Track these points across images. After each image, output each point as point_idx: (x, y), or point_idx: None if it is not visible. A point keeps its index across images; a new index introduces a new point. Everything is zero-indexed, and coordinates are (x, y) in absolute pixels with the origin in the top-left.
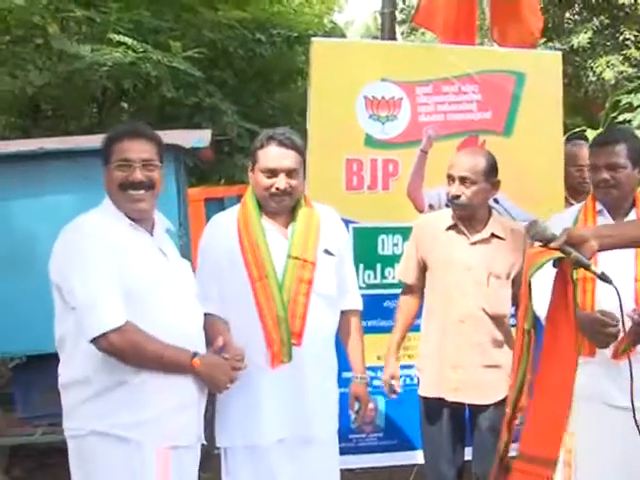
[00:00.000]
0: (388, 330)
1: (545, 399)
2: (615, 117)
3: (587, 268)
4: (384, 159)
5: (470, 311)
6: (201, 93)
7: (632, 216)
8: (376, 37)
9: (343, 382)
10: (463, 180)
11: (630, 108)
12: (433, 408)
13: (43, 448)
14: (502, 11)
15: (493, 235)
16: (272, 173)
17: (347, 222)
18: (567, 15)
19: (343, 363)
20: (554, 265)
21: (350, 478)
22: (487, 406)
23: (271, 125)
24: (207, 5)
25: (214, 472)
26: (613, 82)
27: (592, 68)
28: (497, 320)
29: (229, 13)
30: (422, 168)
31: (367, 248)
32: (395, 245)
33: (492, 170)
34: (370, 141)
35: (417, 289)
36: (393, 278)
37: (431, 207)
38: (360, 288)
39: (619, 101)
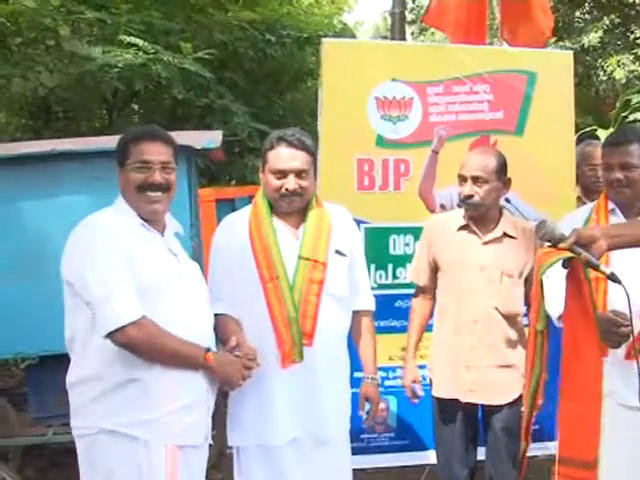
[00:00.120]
0: (400, 330)
1: (574, 401)
2: (626, 116)
3: (596, 268)
4: (395, 159)
5: (483, 311)
6: (212, 94)
7: None
8: (386, 37)
9: (355, 382)
10: (475, 180)
11: None
12: (447, 409)
13: (56, 448)
14: (512, 10)
15: (505, 234)
16: (282, 174)
17: (358, 222)
18: (577, 14)
19: (355, 363)
20: (564, 265)
21: (362, 478)
22: (501, 406)
23: (282, 126)
24: (217, 6)
25: (227, 472)
26: (624, 81)
27: (603, 67)
28: (510, 319)
29: (239, 14)
30: (433, 168)
31: (378, 248)
32: (407, 245)
33: (503, 168)
34: (381, 141)
35: (429, 290)
36: (405, 278)
37: (442, 207)
38: (372, 288)
39: (630, 100)
